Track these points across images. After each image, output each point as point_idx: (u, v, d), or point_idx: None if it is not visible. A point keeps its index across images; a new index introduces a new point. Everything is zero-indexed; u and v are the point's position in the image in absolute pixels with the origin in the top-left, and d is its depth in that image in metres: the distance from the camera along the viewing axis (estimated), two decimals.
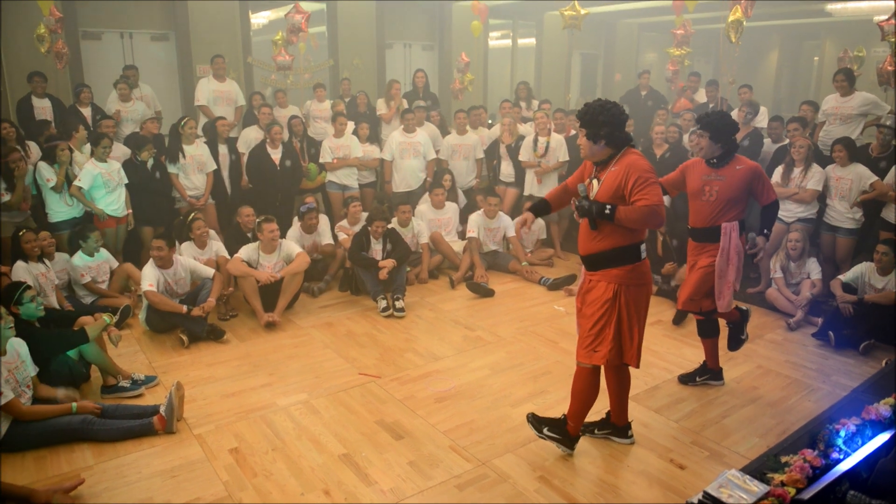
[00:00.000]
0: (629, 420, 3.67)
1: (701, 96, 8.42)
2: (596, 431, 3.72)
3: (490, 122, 8.67)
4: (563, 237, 7.50)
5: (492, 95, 11.71)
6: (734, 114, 7.11)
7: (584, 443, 3.65)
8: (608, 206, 3.10)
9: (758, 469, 2.86)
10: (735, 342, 4.31)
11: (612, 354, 3.26)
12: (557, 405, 3.99)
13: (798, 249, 5.56)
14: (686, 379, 4.38)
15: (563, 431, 3.51)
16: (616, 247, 3.19)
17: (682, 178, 4.17)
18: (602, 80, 13.75)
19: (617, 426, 3.67)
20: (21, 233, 5.04)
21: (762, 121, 7.11)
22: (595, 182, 3.26)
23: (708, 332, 4.27)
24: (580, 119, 3.22)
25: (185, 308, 5.02)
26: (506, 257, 6.89)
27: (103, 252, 5.72)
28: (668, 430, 3.83)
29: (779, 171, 5.90)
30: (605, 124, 3.12)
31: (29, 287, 4.16)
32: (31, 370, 3.75)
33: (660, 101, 8.74)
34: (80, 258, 5.55)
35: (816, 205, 5.81)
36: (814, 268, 5.59)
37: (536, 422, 3.53)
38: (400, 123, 7.37)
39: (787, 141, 6.22)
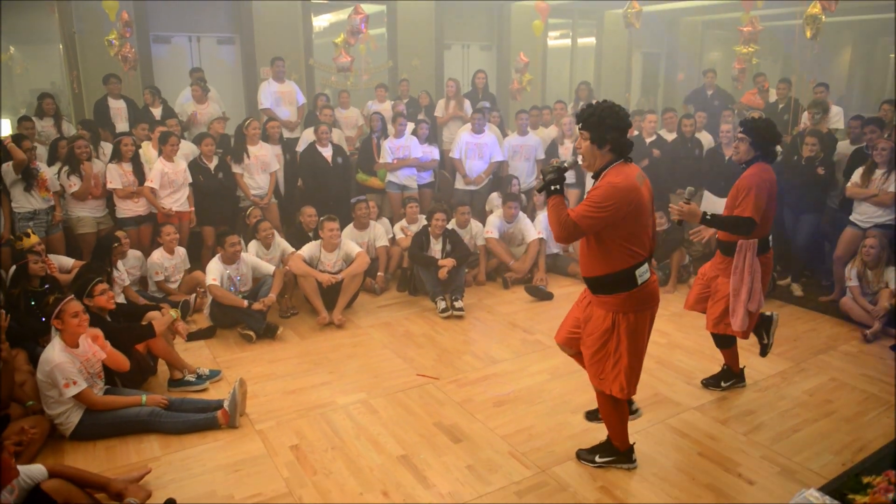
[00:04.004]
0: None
1: (771, 95, 8.11)
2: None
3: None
4: None
5: (550, 96, 11.56)
6: (804, 116, 6.83)
7: (648, 455, 3.56)
8: (556, 188, 3.04)
9: (837, 489, 2.70)
10: (763, 348, 4.25)
11: (619, 385, 3.12)
12: None
13: (875, 256, 5.29)
14: (708, 383, 4.34)
15: (614, 451, 3.44)
16: (610, 273, 3.04)
17: None
18: (664, 80, 13.41)
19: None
20: (115, 245, 5.14)
21: (837, 121, 6.79)
22: None
23: (725, 343, 4.20)
24: (583, 121, 2.97)
25: (245, 303, 5.15)
26: (566, 260, 6.79)
27: (181, 250, 5.90)
28: (737, 443, 3.69)
29: (858, 172, 5.61)
30: (612, 128, 2.91)
31: (101, 280, 4.27)
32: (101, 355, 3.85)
33: (727, 101, 8.47)
34: (158, 255, 5.74)
35: (894, 210, 5.51)
36: (892, 276, 5.31)
37: (587, 454, 3.49)
38: (466, 123, 7.35)
39: (864, 144, 5.92)
